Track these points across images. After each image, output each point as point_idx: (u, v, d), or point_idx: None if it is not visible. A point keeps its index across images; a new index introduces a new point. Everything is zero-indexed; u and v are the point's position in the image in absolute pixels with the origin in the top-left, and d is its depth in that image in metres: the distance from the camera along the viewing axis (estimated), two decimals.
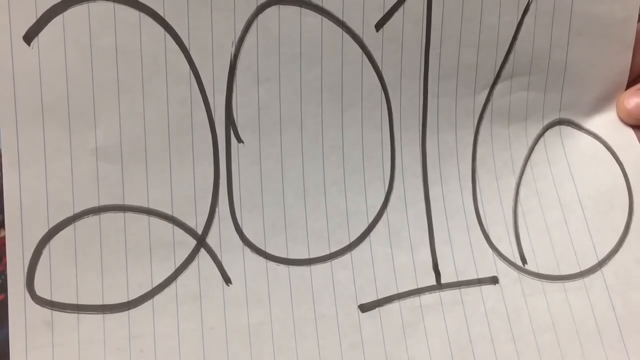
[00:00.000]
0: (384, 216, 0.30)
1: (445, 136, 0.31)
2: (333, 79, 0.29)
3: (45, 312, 0.26)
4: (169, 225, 0.28)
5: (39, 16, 0.25)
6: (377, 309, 0.29)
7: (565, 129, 0.33)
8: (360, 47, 0.29)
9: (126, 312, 0.27)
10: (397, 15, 0.29)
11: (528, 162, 0.32)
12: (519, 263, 0.30)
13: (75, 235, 0.26)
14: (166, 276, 0.27)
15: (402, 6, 0.29)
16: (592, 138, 0.33)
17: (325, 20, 0.28)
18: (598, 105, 0.33)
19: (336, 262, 0.29)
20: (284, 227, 0.29)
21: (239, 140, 0.28)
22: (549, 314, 0.29)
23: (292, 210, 0.29)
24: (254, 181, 0.28)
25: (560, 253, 0.31)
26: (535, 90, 0.32)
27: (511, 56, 0.31)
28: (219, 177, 0.28)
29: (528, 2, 0.30)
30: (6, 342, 0.25)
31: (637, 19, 0.31)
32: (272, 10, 0.27)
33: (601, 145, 0.33)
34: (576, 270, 0.30)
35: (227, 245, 0.28)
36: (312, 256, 0.29)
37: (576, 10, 0.30)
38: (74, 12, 0.25)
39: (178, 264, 0.27)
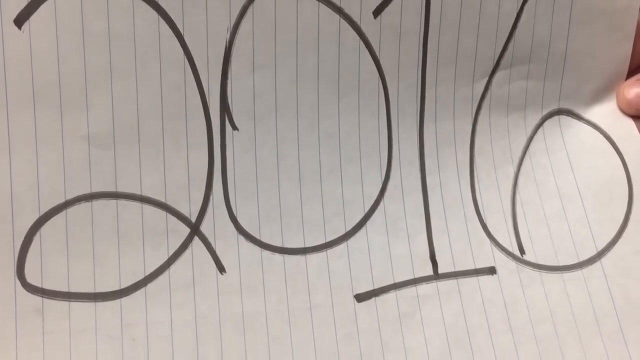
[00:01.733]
0: (381, 205, 0.29)
1: (443, 125, 0.30)
2: (330, 66, 0.28)
3: (36, 299, 0.25)
4: (162, 213, 0.27)
5: None
6: (373, 298, 0.28)
7: (565, 119, 0.32)
8: (357, 33, 0.28)
9: (118, 300, 0.26)
10: (396, 1, 0.28)
11: (527, 152, 0.32)
12: (517, 253, 0.30)
13: (66, 222, 0.26)
14: (159, 264, 0.27)
15: None
16: (591, 128, 0.32)
17: (322, 6, 0.28)
18: (598, 95, 0.33)
19: (332, 251, 0.29)
20: (279, 215, 0.28)
21: (234, 127, 0.28)
22: (547, 304, 0.29)
23: (287, 199, 0.28)
24: (248, 169, 0.28)
25: (559, 243, 0.30)
26: (535, 79, 0.31)
27: (511, 45, 0.30)
28: (213, 165, 0.28)
29: None
30: None
31: (638, 8, 0.31)
32: None
33: (601, 135, 0.32)
34: (575, 260, 0.30)
35: (221, 234, 0.28)
36: (307, 245, 0.28)
37: None
38: None
39: (171, 252, 0.27)
